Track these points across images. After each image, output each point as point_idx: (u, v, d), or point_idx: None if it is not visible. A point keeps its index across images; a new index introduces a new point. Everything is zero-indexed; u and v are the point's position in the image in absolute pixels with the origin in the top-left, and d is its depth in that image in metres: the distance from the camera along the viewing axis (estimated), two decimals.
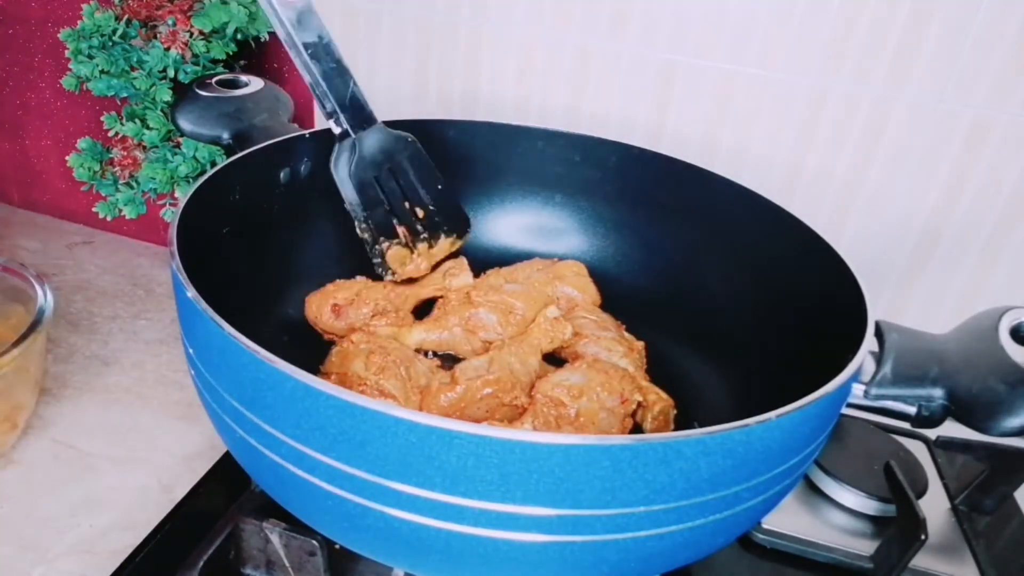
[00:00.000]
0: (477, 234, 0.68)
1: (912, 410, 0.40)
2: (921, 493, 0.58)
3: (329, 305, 0.58)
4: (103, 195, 0.78)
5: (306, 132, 0.58)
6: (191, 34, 0.68)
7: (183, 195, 0.48)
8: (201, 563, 0.48)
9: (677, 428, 0.54)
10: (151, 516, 0.54)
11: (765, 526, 0.55)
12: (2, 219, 0.90)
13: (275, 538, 0.49)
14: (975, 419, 0.39)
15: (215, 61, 0.71)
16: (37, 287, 0.59)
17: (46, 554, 0.51)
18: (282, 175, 0.58)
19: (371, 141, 0.58)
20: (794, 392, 0.36)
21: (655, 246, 0.65)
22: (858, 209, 0.65)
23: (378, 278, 0.61)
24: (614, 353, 0.57)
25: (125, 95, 0.71)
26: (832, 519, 0.57)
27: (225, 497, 0.54)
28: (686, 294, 0.62)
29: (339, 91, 0.56)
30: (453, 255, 0.64)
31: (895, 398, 0.40)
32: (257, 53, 0.75)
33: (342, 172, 0.57)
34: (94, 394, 0.65)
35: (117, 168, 0.77)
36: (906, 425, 0.41)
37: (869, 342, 0.41)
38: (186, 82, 0.69)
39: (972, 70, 0.58)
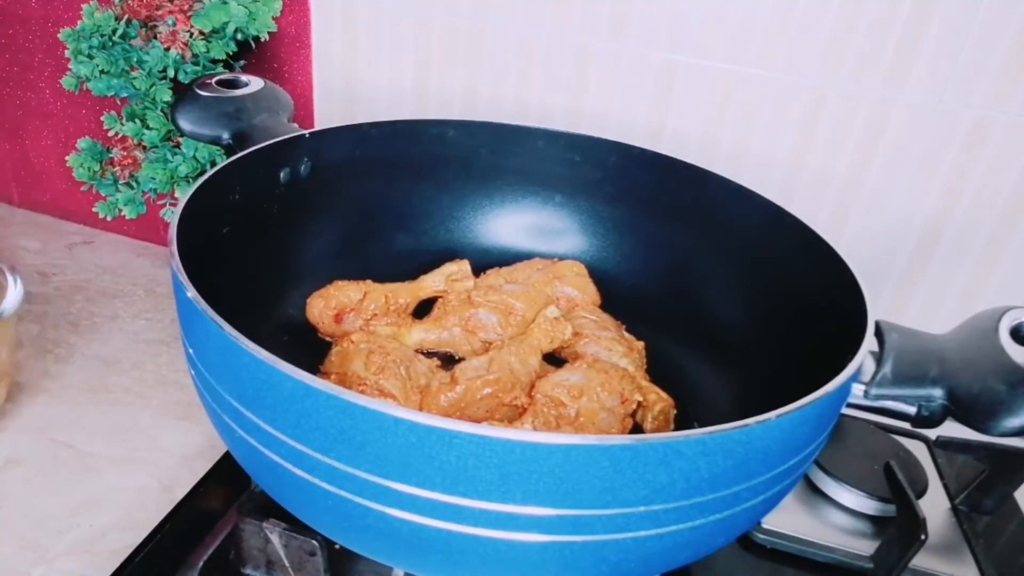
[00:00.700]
0: (477, 234, 0.68)
1: (912, 410, 0.40)
2: (921, 493, 0.58)
3: (332, 313, 0.58)
4: (103, 195, 0.78)
5: (306, 132, 0.58)
6: (191, 34, 0.68)
7: (183, 195, 0.48)
8: (201, 563, 0.48)
9: (677, 428, 0.54)
10: (151, 516, 0.54)
11: (765, 526, 0.55)
12: (2, 219, 0.90)
13: (275, 538, 0.49)
14: (975, 419, 0.39)
15: (215, 61, 0.71)
16: (8, 277, 0.58)
17: (46, 554, 0.51)
18: (282, 175, 0.58)
19: None
20: (794, 392, 0.36)
21: (655, 246, 0.65)
22: (858, 209, 0.65)
23: (379, 279, 0.61)
24: (614, 353, 0.57)
25: (125, 95, 0.71)
26: (832, 519, 0.57)
27: (225, 497, 0.54)
28: (686, 294, 0.62)
29: None
30: (453, 257, 0.64)
31: (895, 398, 0.40)
32: (257, 53, 0.75)
33: None
34: (94, 394, 0.65)
35: (117, 168, 0.77)
36: (906, 425, 0.41)
37: (869, 342, 0.41)
38: (186, 82, 0.69)
39: (972, 70, 0.58)
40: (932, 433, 0.61)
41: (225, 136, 0.58)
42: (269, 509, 0.49)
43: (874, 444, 0.62)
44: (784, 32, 0.61)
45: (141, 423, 0.63)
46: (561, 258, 0.66)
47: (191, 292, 0.38)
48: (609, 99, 0.68)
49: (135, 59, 0.69)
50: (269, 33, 0.72)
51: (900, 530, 0.51)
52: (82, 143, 0.76)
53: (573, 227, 0.68)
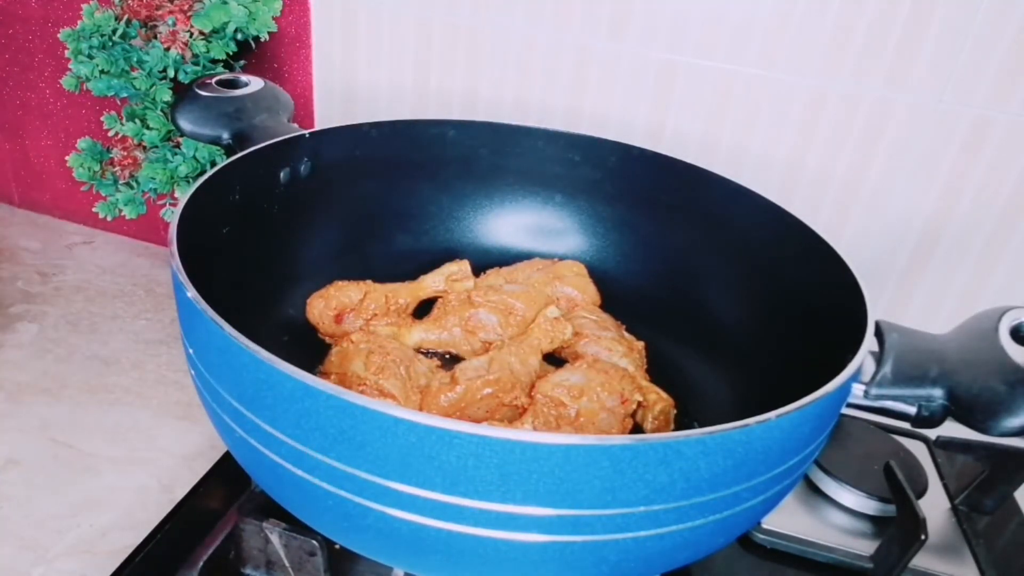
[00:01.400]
0: (477, 234, 0.68)
1: (912, 410, 0.40)
2: (921, 493, 0.58)
3: (332, 313, 0.58)
4: (103, 195, 0.78)
5: (306, 132, 0.58)
6: (191, 34, 0.68)
7: (183, 195, 0.48)
8: (201, 563, 0.48)
9: (677, 428, 0.54)
10: (151, 516, 0.54)
11: (765, 526, 0.55)
12: (2, 219, 0.90)
13: (275, 538, 0.49)
14: (975, 419, 0.39)
15: (215, 61, 0.71)
16: None
17: (46, 554, 0.51)
18: (282, 175, 0.58)
19: None
20: (794, 392, 0.36)
21: (655, 246, 0.65)
22: (858, 209, 0.65)
23: (379, 279, 0.61)
24: (614, 353, 0.57)
25: (125, 95, 0.71)
26: (832, 519, 0.57)
27: (225, 497, 0.54)
28: (686, 294, 0.62)
29: None
30: (453, 257, 0.64)
31: (895, 398, 0.40)
32: (257, 53, 0.75)
33: None
34: (94, 394, 0.65)
35: (117, 168, 0.77)
36: (906, 425, 0.41)
37: (869, 342, 0.41)
38: (186, 82, 0.69)
39: (972, 70, 0.58)
40: (932, 433, 0.61)
41: (225, 136, 0.58)
42: (269, 509, 0.49)
43: (874, 444, 0.62)
44: (784, 32, 0.61)
45: (141, 423, 0.63)
46: (561, 258, 0.66)
47: (191, 292, 0.38)
48: (609, 99, 0.68)
49: (135, 59, 0.69)
50: (269, 33, 0.72)
51: (900, 530, 0.51)
52: (82, 143, 0.76)
53: (573, 227, 0.68)
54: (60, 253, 0.85)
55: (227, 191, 0.53)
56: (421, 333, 0.59)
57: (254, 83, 0.63)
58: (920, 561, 0.53)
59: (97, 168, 0.77)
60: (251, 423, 0.37)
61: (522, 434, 0.32)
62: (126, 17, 0.68)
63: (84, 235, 0.89)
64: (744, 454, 0.34)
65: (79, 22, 0.69)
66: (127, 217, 0.78)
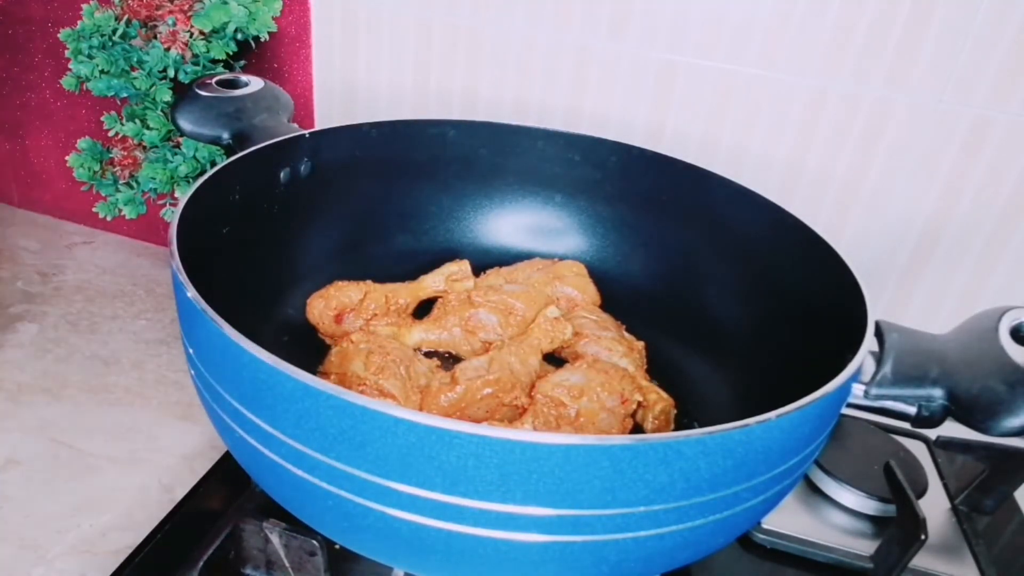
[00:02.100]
0: (477, 234, 0.68)
1: (912, 410, 0.40)
2: (921, 493, 0.58)
3: (332, 313, 0.58)
4: (103, 195, 0.78)
5: (306, 132, 0.58)
6: (191, 34, 0.68)
7: (183, 195, 0.48)
8: (201, 563, 0.48)
9: (677, 428, 0.54)
10: (151, 516, 0.54)
11: (765, 526, 0.55)
12: (2, 219, 0.90)
13: (275, 538, 0.49)
14: (975, 419, 0.39)
15: (215, 61, 0.71)
16: None
17: (46, 554, 0.51)
18: (282, 175, 0.58)
19: None
20: (794, 392, 0.36)
21: (655, 246, 0.65)
22: (858, 209, 0.65)
23: (379, 279, 0.61)
24: (614, 353, 0.57)
25: (125, 95, 0.71)
26: (832, 519, 0.57)
27: (225, 497, 0.54)
28: (686, 294, 0.62)
29: None
30: (453, 257, 0.64)
31: (895, 398, 0.40)
32: (257, 53, 0.75)
33: None
34: (94, 394, 0.65)
35: (117, 168, 0.77)
36: (906, 425, 0.41)
37: (869, 342, 0.41)
38: (186, 82, 0.69)
39: (972, 70, 0.58)
40: (932, 433, 0.61)
41: (225, 136, 0.58)
42: (269, 509, 0.49)
43: (874, 444, 0.62)
44: (784, 32, 0.61)
45: (141, 423, 0.63)
46: (561, 258, 0.66)
47: (191, 292, 0.38)
48: (609, 99, 0.68)
49: (135, 59, 0.69)
50: (269, 33, 0.72)
51: (900, 530, 0.51)
52: (82, 143, 0.76)
53: (573, 227, 0.68)
54: (60, 253, 0.85)
55: (227, 191, 0.53)
56: (421, 333, 0.59)
57: (254, 83, 0.63)
58: (920, 561, 0.53)
59: (97, 168, 0.77)
60: (251, 423, 0.37)
61: (522, 434, 0.32)
62: (126, 17, 0.68)
63: (84, 235, 0.89)
64: (744, 454, 0.34)
65: (79, 22, 0.69)
66: (127, 217, 0.78)
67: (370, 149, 0.63)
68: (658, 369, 0.59)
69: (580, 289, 0.63)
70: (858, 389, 0.40)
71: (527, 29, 0.67)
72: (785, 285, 0.55)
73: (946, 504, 0.59)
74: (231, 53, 0.71)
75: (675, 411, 0.55)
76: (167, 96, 0.70)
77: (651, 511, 0.34)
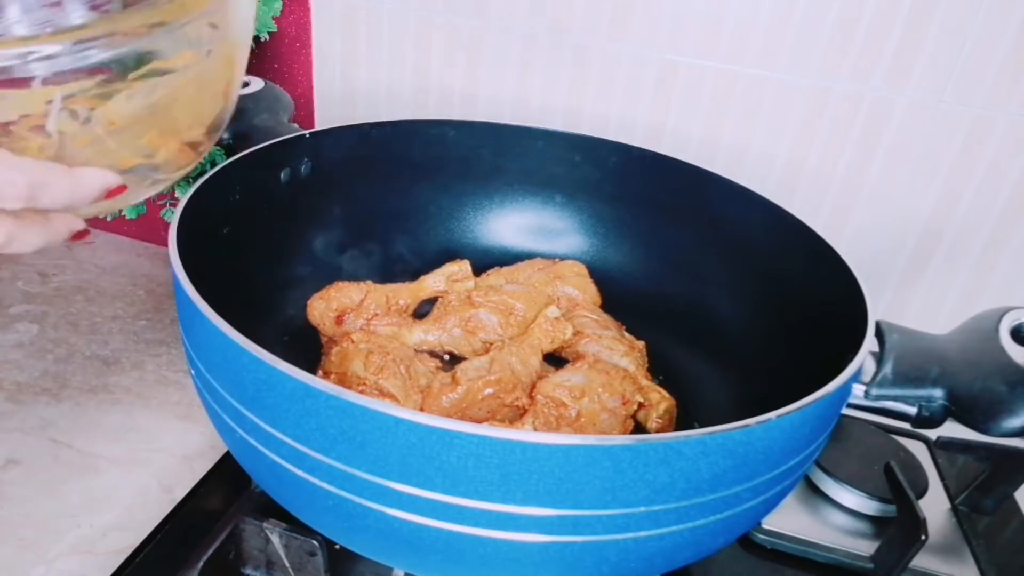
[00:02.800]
0: (477, 234, 0.68)
1: (912, 410, 0.40)
2: (921, 493, 0.58)
3: (333, 314, 0.58)
4: None
5: (306, 132, 0.58)
6: None
7: (183, 195, 0.48)
8: (201, 563, 0.48)
9: (677, 428, 0.54)
10: (151, 516, 0.54)
11: (765, 526, 0.55)
12: None
13: (275, 538, 0.49)
14: (975, 419, 0.39)
15: None
16: None
17: (46, 554, 0.51)
18: (282, 175, 0.58)
19: None
20: (794, 392, 0.36)
21: (655, 246, 0.65)
22: (858, 209, 0.65)
23: (379, 279, 0.61)
24: (615, 352, 0.57)
25: None
26: (832, 519, 0.57)
27: (225, 497, 0.54)
28: (686, 294, 0.62)
29: None
30: (453, 257, 0.64)
31: (895, 398, 0.40)
32: (257, 53, 0.75)
33: None
34: (94, 394, 0.65)
35: None
36: (906, 425, 0.41)
37: (869, 342, 0.41)
38: None
39: (972, 70, 0.58)
40: (932, 433, 0.61)
41: (225, 136, 0.58)
42: (269, 509, 0.49)
43: (874, 444, 0.62)
44: (784, 32, 0.61)
45: (141, 423, 0.63)
46: (561, 258, 0.66)
47: (191, 292, 0.38)
48: (609, 99, 0.68)
49: None
50: (269, 33, 0.72)
51: (900, 530, 0.51)
52: None
53: (573, 227, 0.68)
54: (60, 253, 0.85)
55: (227, 191, 0.53)
56: (421, 333, 0.59)
57: (254, 83, 0.63)
58: (920, 561, 0.53)
59: None
60: (251, 423, 0.37)
61: (523, 434, 0.32)
62: None
63: None
64: (745, 454, 0.34)
65: None
66: (127, 217, 0.78)
67: (370, 149, 0.63)
68: (658, 369, 0.59)
69: (581, 289, 0.63)
70: (858, 389, 0.40)
71: (527, 29, 0.67)
72: (785, 285, 0.55)
73: (946, 504, 0.59)
74: None
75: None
76: None
77: (652, 511, 0.34)
